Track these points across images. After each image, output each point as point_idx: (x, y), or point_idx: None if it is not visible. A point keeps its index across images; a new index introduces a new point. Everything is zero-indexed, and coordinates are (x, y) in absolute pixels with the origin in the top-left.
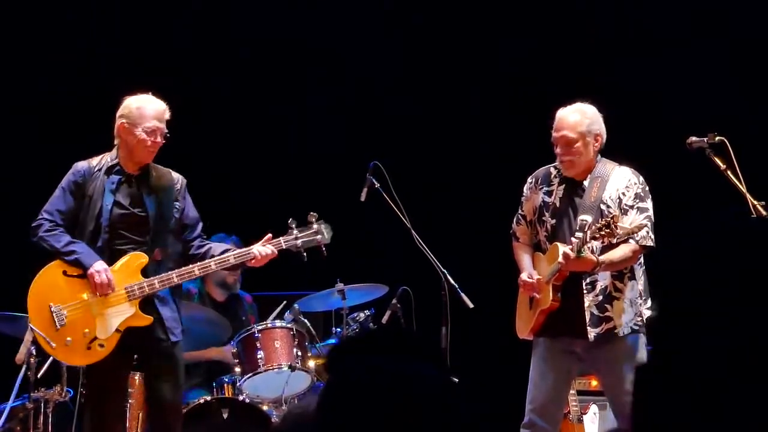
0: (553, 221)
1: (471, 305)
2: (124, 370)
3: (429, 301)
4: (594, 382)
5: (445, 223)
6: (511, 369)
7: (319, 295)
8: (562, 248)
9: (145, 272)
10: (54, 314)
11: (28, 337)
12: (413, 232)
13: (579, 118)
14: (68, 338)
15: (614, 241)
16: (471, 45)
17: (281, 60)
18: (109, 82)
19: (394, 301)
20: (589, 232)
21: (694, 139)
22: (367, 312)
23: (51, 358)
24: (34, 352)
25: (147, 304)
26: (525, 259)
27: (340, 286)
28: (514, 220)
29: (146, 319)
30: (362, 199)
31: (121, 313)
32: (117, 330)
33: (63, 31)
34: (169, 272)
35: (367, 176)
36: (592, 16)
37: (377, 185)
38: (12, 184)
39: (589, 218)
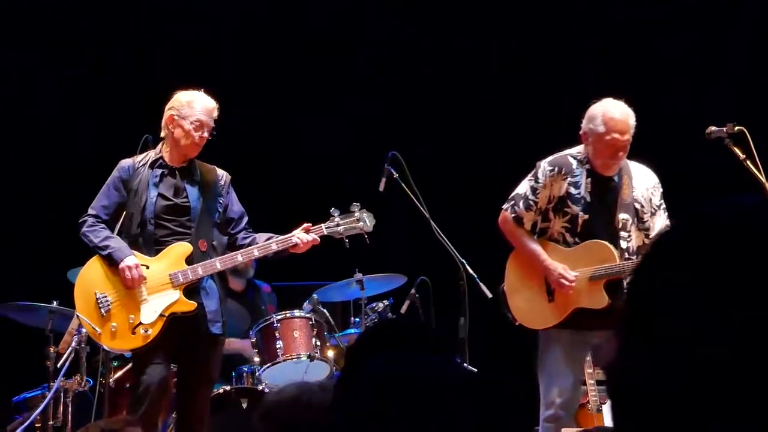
0: (586, 216)
1: (490, 295)
2: (167, 362)
3: (447, 291)
4: None
5: (464, 213)
6: (530, 359)
7: (338, 285)
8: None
9: (190, 262)
10: (99, 301)
11: (72, 325)
12: (432, 222)
13: (632, 120)
14: (113, 324)
15: (647, 241)
16: (484, 36)
17: (288, 51)
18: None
19: (412, 291)
20: None
21: (713, 128)
22: (386, 302)
23: (71, 348)
24: (76, 340)
25: (192, 294)
26: (539, 248)
27: (358, 276)
28: (521, 205)
29: (190, 305)
30: (381, 189)
31: (165, 299)
32: (161, 315)
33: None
34: (212, 259)
35: (386, 166)
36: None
37: (396, 175)
38: (26, 179)
39: (629, 217)
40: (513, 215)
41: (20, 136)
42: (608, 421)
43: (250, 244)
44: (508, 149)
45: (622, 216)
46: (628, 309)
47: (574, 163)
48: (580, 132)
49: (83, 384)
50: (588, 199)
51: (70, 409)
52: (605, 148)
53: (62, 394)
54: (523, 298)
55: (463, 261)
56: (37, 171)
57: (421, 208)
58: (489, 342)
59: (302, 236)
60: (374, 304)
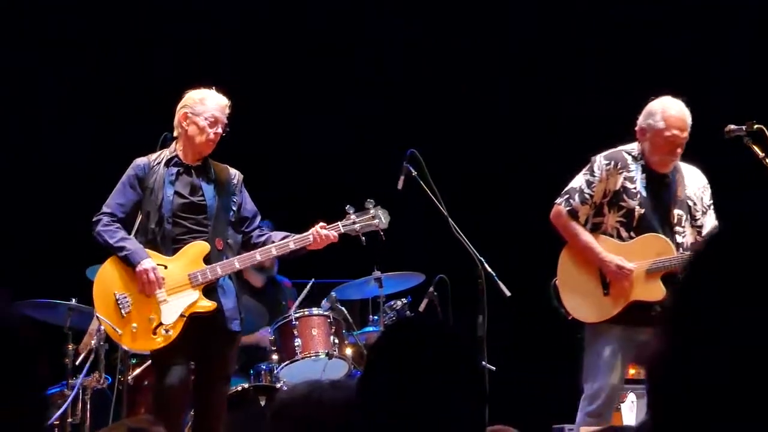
0: (642, 211)
1: (508, 293)
2: (187, 362)
3: (466, 289)
4: (632, 371)
5: (482, 211)
6: (548, 357)
7: (356, 282)
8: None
9: (208, 261)
10: (119, 302)
11: (92, 326)
12: (450, 220)
13: (689, 118)
14: (134, 324)
15: (700, 239)
16: (484, 36)
17: (288, 51)
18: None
19: (430, 289)
20: None
21: (732, 127)
22: (404, 300)
23: (90, 348)
24: (96, 341)
25: (209, 293)
26: (594, 241)
27: (377, 274)
28: (576, 198)
29: (210, 304)
30: (399, 187)
31: (184, 299)
32: (181, 315)
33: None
34: (231, 258)
35: (404, 164)
36: None
37: (414, 173)
38: (28, 179)
39: (683, 213)
40: (568, 208)
41: (20, 136)
42: (626, 419)
43: (265, 243)
44: (507, 149)
45: (677, 211)
46: (674, 307)
47: (629, 158)
48: (636, 128)
49: (102, 381)
50: (644, 193)
51: (88, 406)
52: (664, 145)
53: (80, 392)
54: (577, 292)
55: (482, 259)
56: (38, 171)
57: (440, 206)
58: (508, 340)
59: (320, 233)
60: (392, 302)
